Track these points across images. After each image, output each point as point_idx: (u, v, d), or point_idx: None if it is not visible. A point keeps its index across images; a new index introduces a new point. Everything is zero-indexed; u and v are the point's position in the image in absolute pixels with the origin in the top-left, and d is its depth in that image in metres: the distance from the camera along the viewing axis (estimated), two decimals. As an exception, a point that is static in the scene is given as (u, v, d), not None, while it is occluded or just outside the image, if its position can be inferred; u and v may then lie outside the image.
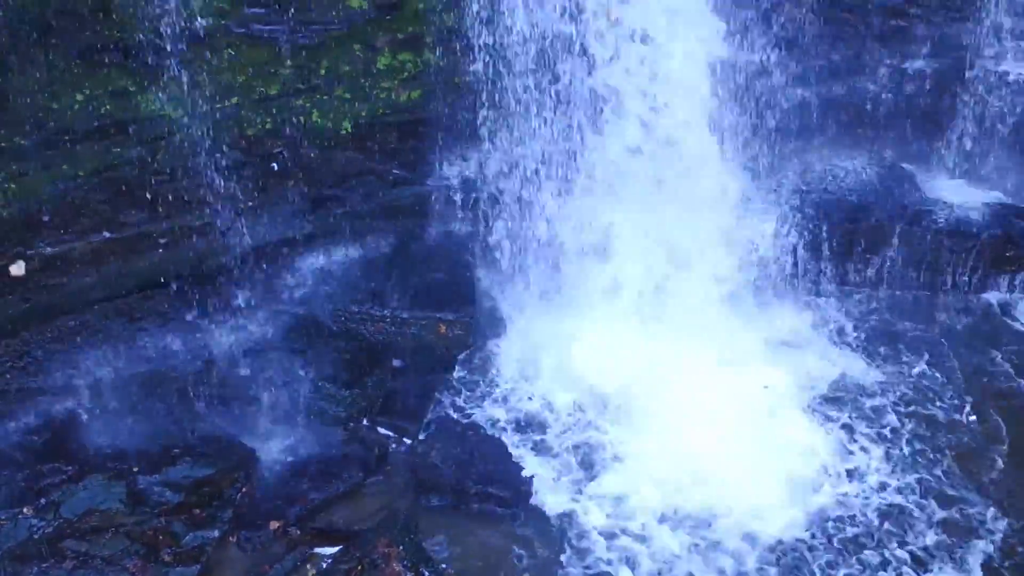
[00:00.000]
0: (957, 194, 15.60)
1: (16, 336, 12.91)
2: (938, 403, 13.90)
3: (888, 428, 13.55)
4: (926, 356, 14.52)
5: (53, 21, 12.03)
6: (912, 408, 13.82)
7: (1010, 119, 15.42)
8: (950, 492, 12.69)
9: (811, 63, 15.10)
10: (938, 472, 12.94)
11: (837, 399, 13.90)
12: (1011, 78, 15.10)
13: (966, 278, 15.19)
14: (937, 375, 14.24)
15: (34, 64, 12.18)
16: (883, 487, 12.75)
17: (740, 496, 12.49)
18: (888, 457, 13.15)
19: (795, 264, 15.11)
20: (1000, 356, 14.49)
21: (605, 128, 14.01)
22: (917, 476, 12.87)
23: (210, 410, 13.02)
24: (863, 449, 13.24)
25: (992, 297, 15.25)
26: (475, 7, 13.11)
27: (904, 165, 15.83)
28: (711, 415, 13.30)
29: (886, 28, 15.04)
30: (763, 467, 12.82)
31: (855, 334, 14.83)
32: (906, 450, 13.23)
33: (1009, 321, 14.97)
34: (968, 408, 13.78)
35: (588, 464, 13.10)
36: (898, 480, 12.83)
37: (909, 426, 13.56)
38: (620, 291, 14.41)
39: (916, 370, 14.33)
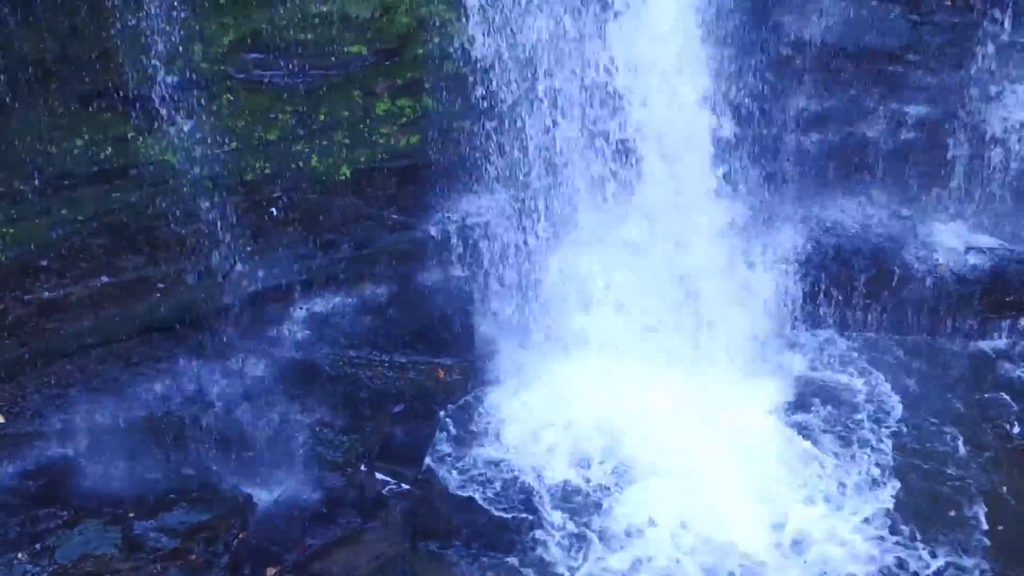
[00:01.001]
0: (956, 239, 15.59)
1: (12, 381, 12.89)
2: (935, 447, 13.81)
3: (885, 471, 13.46)
4: (925, 401, 14.43)
5: (53, 66, 12.10)
6: (909, 451, 13.75)
7: (1010, 165, 15.43)
8: (942, 539, 12.60)
9: (808, 109, 15.13)
10: (934, 519, 12.85)
11: (834, 441, 13.80)
12: (1011, 124, 15.13)
13: (966, 323, 15.15)
14: (935, 420, 14.15)
15: (34, 109, 12.24)
16: (881, 539, 12.66)
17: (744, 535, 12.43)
18: (880, 500, 13.08)
19: (793, 309, 15.07)
20: (998, 402, 14.40)
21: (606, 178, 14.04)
22: (914, 522, 12.81)
23: (207, 455, 12.95)
24: (856, 489, 13.18)
25: (992, 343, 15.19)
26: (479, 54, 13.18)
27: (903, 210, 15.84)
28: (709, 464, 13.23)
29: (883, 74, 15.07)
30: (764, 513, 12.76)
31: (855, 378, 14.76)
32: (903, 496, 13.15)
33: (1009, 367, 14.89)
34: (963, 453, 13.68)
35: (589, 507, 13.00)
36: (894, 527, 12.78)
37: (907, 471, 13.48)
38: (619, 336, 14.36)
39: (914, 414, 14.25)
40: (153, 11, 11.85)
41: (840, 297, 15.28)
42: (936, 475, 13.46)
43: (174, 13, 11.98)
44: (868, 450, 13.73)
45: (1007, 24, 14.47)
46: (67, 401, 12.97)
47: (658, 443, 13.55)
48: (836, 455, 13.63)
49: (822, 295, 15.23)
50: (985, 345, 15.17)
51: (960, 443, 13.86)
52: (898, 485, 13.28)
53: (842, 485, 13.26)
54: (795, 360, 14.95)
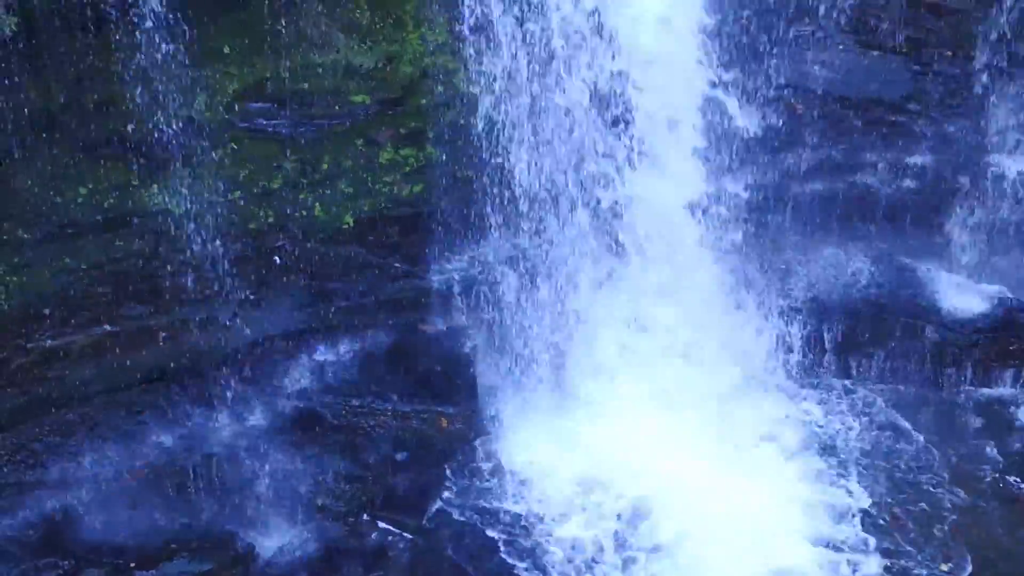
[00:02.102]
0: (959, 288, 15.59)
1: (14, 429, 12.85)
2: (936, 495, 13.77)
3: (887, 521, 13.44)
4: (927, 451, 14.38)
5: (59, 115, 12.14)
6: (910, 501, 13.71)
7: (1012, 214, 15.45)
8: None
9: (811, 158, 15.17)
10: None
11: (837, 492, 13.77)
12: (1012, 172, 15.16)
13: (969, 372, 15.12)
14: (937, 470, 14.11)
15: (38, 158, 12.27)
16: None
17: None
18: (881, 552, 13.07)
19: (797, 358, 15.05)
20: (1001, 451, 14.35)
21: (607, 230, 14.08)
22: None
23: (209, 504, 12.93)
24: (863, 546, 13.15)
25: (996, 392, 15.15)
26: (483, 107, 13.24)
27: (906, 259, 15.84)
28: (712, 522, 13.19)
29: (885, 123, 15.13)
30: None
31: (857, 428, 14.72)
32: (904, 546, 13.14)
33: (1012, 416, 14.85)
34: (962, 500, 13.62)
35: (592, 566, 12.93)
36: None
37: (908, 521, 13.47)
38: (621, 386, 14.34)
39: (917, 464, 14.19)
40: (158, 61, 11.89)
41: (842, 346, 15.24)
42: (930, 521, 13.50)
43: (179, 63, 12.02)
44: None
45: (1007, 75, 14.55)
46: (69, 450, 12.94)
47: (662, 496, 13.50)
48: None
49: (824, 344, 15.20)
50: (989, 393, 15.12)
51: (961, 492, 13.85)
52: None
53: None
54: (797, 410, 14.90)
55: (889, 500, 13.71)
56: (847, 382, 15.32)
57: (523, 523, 13.43)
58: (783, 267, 15.57)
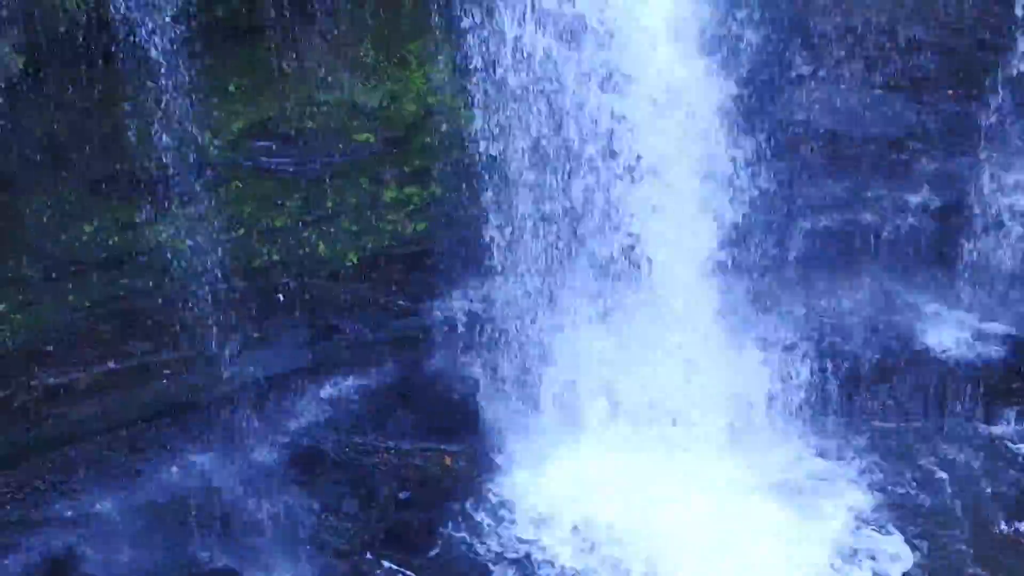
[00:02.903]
0: (962, 325, 15.57)
1: (17, 467, 12.84)
2: (939, 536, 13.72)
3: (897, 563, 13.40)
4: (931, 488, 14.34)
5: (64, 152, 12.20)
6: (915, 540, 13.67)
7: (1014, 253, 15.45)
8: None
9: (813, 195, 15.20)
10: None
11: (841, 530, 13.74)
12: (1015, 210, 15.19)
13: (973, 410, 15.09)
14: (941, 508, 14.06)
15: (44, 195, 12.33)
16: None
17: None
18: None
19: (802, 396, 15.03)
20: (1004, 490, 14.30)
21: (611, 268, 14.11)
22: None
23: (212, 541, 12.89)
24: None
25: (1000, 429, 15.11)
26: (483, 146, 13.31)
27: (909, 296, 15.84)
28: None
29: (887, 161, 15.17)
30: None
31: (861, 466, 14.68)
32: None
33: (1016, 454, 14.81)
34: (967, 542, 13.60)
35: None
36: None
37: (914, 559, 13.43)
38: (626, 423, 14.33)
39: (921, 502, 14.15)
40: (164, 98, 11.96)
41: (846, 383, 15.21)
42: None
43: (185, 100, 12.08)
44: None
45: (1008, 113, 14.60)
46: (72, 487, 12.93)
47: (666, 538, 13.44)
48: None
49: (828, 381, 15.18)
50: (992, 431, 15.09)
51: (967, 527, 13.79)
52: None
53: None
54: (800, 448, 14.88)
55: (904, 547, 13.65)
56: (851, 420, 15.27)
57: (527, 563, 13.36)
58: (786, 305, 15.54)
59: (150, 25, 11.53)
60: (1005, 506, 14.07)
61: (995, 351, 15.22)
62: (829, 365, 15.13)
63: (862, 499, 14.25)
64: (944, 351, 15.21)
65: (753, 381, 14.90)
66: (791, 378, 15.01)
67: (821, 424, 15.17)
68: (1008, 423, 15.15)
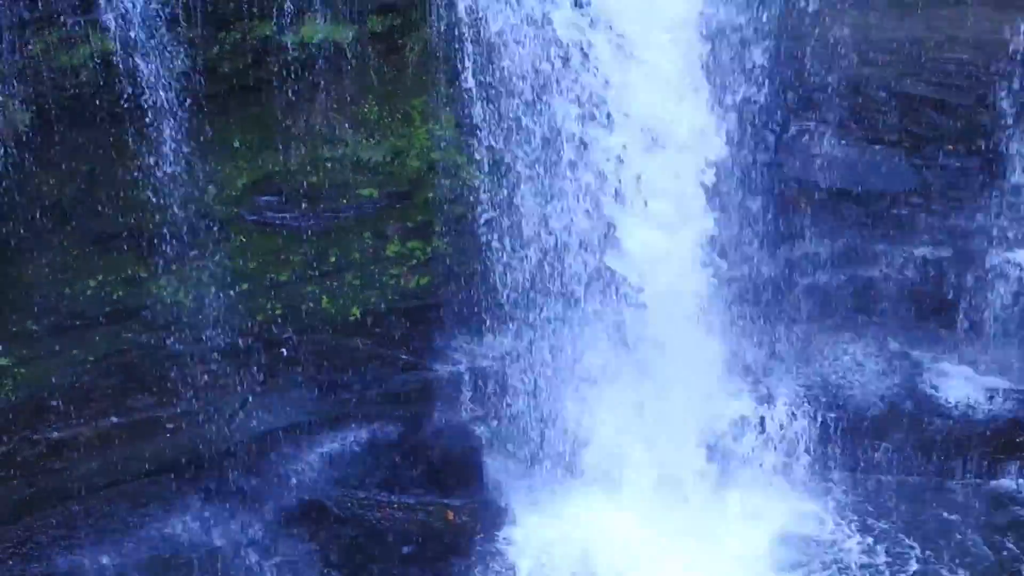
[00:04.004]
0: (965, 380, 15.53)
1: (19, 521, 12.83)
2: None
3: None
4: (934, 544, 14.28)
5: (69, 208, 12.28)
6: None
7: (1017, 307, 15.47)
8: None
9: (814, 250, 15.25)
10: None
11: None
12: (1016, 265, 15.21)
13: (976, 464, 15.05)
14: (945, 565, 13.98)
15: (49, 250, 12.39)
16: None
17: None
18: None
19: (803, 450, 15.00)
20: (1010, 544, 14.24)
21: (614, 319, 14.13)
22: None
23: (214, 598, 12.88)
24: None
25: (1004, 484, 15.07)
26: (486, 199, 13.38)
27: (912, 351, 15.84)
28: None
29: (889, 216, 15.21)
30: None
31: (863, 520, 14.61)
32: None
33: (1020, 509, 14.76)
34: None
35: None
36: None
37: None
38: (631, 475, 14.30)
39: (924, 558, 14.09)
40: (170, 153, 12.05)
41: (848, 437, 15.18)
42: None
43: (190, 156, 12.18)
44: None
45: (1009, 167, 14.67)
46: (74, 543, 12.90)
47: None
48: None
49: (831, 436, 15.15)
50: (997, 486, 15.04)
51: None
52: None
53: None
54: (801, 502, 14.84)
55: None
56: (853, 472, 15.23)
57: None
58: (788, 359, 15.55)
59: (157, 82, 11.64)
60: (1012, 560, 14.02)
61: (999, 405, 15.19)
62: (832, 420, 15.10)
63: (865, 558, 14.18)
64: (948, 405, 15.16)
65: (756, 436, 14.86)
66: (793, 433, 14.98)
67: (824, 478, 15.12)
68: (1013, 478, 15.10)
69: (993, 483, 15.04)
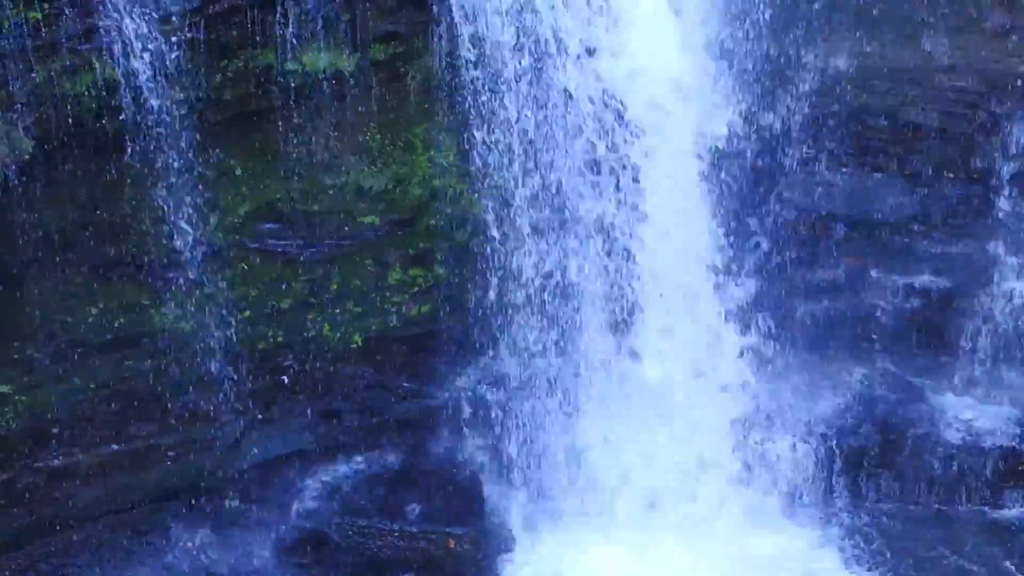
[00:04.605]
0: (968, 408, 15.49)
1: (20, 550, 12.80)
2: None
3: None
4: (936, 574, 14.25)
5: (71, 235, 12.30)
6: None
7: (1019, 336, 15.46)
8: None
9: (815, 278, 15.26)
10: None
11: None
12: (1019, 293, 15.21)
13: (980, 493, 15.01)
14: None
15: (50, 277, 12.39)
16: None
17: None
18: None
19: (804, 479, 14.97)
20: (1017, 575, 14.20)
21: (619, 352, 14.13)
22: None
23: (214, 627, 12.83)
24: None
25: (1008, 512, 15.02)
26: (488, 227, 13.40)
27: (914, 379, 15.82)
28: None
29: (889, 244, 15.23)
30: None
31: (866, 551, 14.56)
32: None
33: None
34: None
35: None
36: None
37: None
38: (634, 505, 14.28)
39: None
40: (172, 181, 12.08)
41: (851, 467, 15.15)
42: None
43: (192, 184, 12.21)
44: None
45: (1011, 196, 14.69)
46: (74, 571, 12.87)
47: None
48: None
49: (832, 465, 15.12)
50: (1000, 516, 15.00)
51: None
52: None
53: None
54: (807, 535, 14.79)
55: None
56: (856, 502, 15.19)
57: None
58: (789, 388, 15.52)
59: (159, 109, 11.68)
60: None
61: (1001, 434, 15.17)
62: (832, 448, 15.08)
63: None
64: (949, 434, 15.13)
65: (758, 464, 14.85)
66: (794, 461, 14.96)
67: (826, 507, 15.08)
68: (1016, 506, 15.06)
69: (997, 513, 15.00)
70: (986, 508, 15.05)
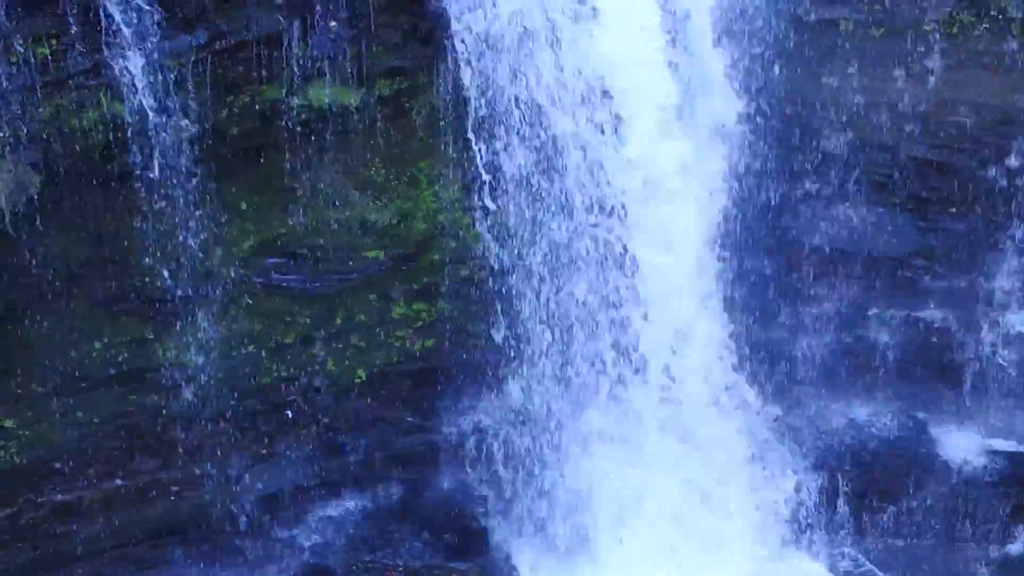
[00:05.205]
0: (972, 442, 15.49)
1: (24, 584, 12.77)
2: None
3: None
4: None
5: (77, 271, 12.31)
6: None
7: (1021, 368, 15.47)
8: None
9: (819, 312, 15.27)
10: None
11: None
12: (1021, 329, 15.23)
13: (986, 527, 14.98)
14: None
15: (55, 312, 12.40)
16: None
17: None
18: None
19: (810, 513, 14.94)
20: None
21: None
22: None
23: (217, 664, 12.79)
24: None
25: (1014, 547, 14.98)
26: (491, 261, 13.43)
27: (917, 413, 15.81)
28: None
29: (893, 278, 15.25)
30: None
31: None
32: None
33: (1030, 573, 14.72)
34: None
35: None
36: None
37: None
38: (638, 538, 14.24)
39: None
40: (177, 216, 12.11)
41: (856, 500, 15.13)
42: None
43: (198, 218, 12.24)
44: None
45: (1013, 231, 14.73)
46: (78, 606, 12.84)
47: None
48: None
49: (837, 498, 15.10)
50: (1006, 551, 14.96)
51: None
52: None
53: None
54: (813, 568, 14.75)
55: None
56: (861, 536, 15.16)
57: None
58: (793, 421, 15.52)
59: (166, 144, 11.72)
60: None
61: (1006, 468, 15.16)
62: (837, 481, 15.06)
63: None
64: (954, 468, 15.13)
65: (760, 499, 14.82)
66: (800, 495, 14.94)
67: (832, 542, 15.05)
68: (1019, 540, 15.03)
69: (1003, 547, 14.97)
70: (992, 543, 15.01)
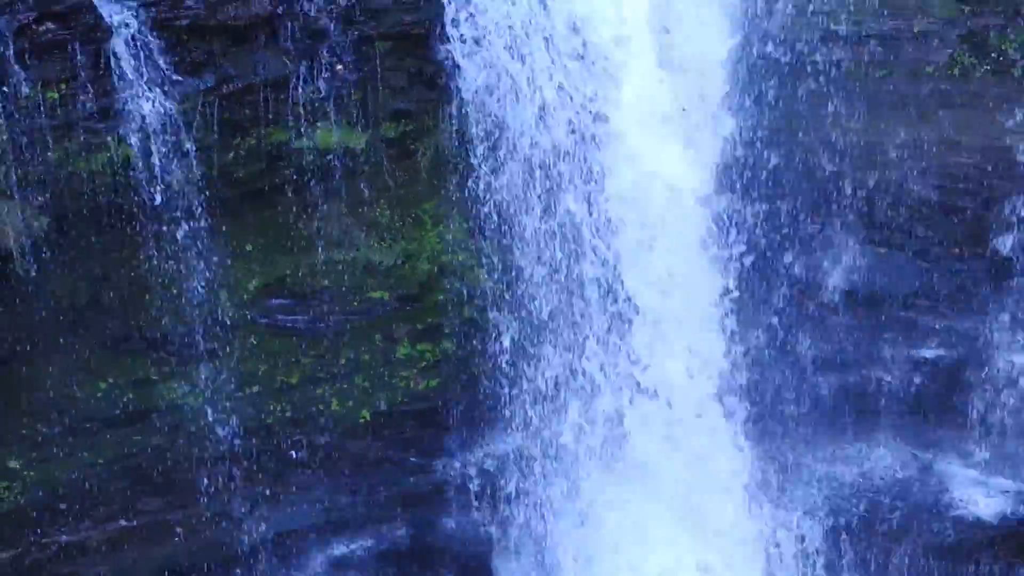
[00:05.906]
0: (976, 483, 15.47)
1: (27, 627, 12.73)
2: None
3: None
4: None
5: (82, 311, 12.34)
6: None
7: (1025, 409, 15.49)
8: None
9: (821, 352, 15.28)
10: None
11: None
12: (1024, 368, 15.28)
13: (989, 569, 14.94)
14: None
15: (60, 352, 12.42)
16: None
17: None
18: None
19: (813, 553, 14.92)
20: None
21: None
22: None
23: None
24: None
25: (1019, 590, 14.99)
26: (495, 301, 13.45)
27: (921, 453, 15.80)
28: None
29: (896, 318, 15.26)
30: None
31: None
32: None
33: (1036, 615, 14.68)
34: None
35: None
36: None
37: None
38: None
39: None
40: (183, 257, 12.15)
41: (859, 541, 15.10)
42: None
43: (203, 260, 12.27)
44: None
45: (1016, 270, 14.74)
46: (81, 648, 12.79)
47: None
48: None
49: (840, 539, 15.07)
50: (1012, 593, 14.97)
51: None
52: None
53: None
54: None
55: None
56: (866, 577, 15.19)
57: None
58: (796, 462, 15.50)
59: (172, 187, 11.77)
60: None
61: (1011, 508, 15.13)
62: (842, 524, 15.03)
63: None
64: (958, 509, 15.10)
65: (762, 540, 14.80)
66: (803, 538, 14.91)
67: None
68: (1028, 583, 15.02)
69: (1009, 590, 14.97)
70: (998, 585, 15.01)
